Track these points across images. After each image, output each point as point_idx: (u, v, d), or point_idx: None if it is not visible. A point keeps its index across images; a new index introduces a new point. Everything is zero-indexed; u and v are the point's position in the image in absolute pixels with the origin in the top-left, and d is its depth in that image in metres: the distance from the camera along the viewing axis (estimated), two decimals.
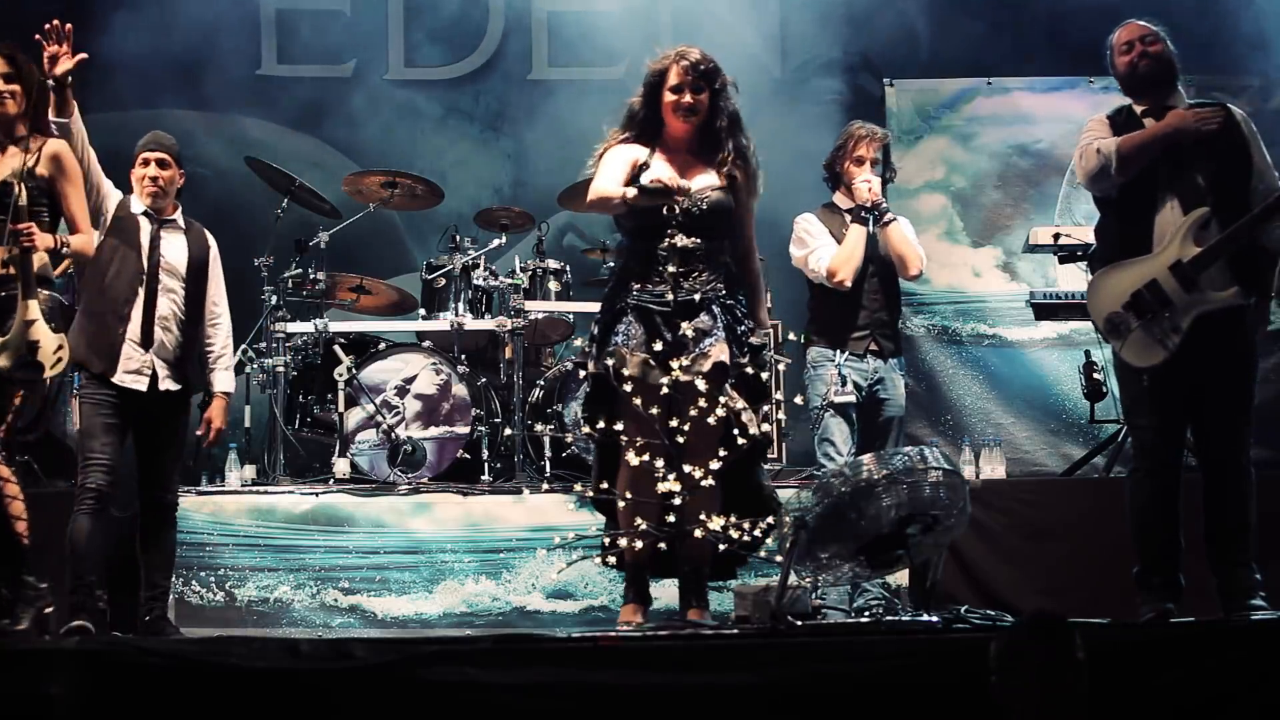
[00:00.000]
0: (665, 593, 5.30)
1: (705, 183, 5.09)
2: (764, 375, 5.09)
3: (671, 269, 4.97)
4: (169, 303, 5.63)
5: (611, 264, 5.43)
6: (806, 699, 4.03)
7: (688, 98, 5.08)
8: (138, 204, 5.69)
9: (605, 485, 4.96)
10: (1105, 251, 5.30)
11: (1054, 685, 3.40)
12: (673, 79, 5.09)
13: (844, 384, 5.92)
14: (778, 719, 4.02)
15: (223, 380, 5.76)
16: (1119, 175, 5.14)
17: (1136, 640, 4.24)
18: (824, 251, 6.01)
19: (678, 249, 4.97)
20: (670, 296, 4.95)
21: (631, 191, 4.95)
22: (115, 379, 5.51)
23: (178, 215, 5.79)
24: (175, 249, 5.69)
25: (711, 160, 5.14)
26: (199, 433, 5.75)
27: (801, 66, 8.99)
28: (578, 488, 5.04)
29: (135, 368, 5.54)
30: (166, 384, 5.56)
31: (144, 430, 5.60)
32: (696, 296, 4.96)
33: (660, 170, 5.07)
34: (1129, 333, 5.10)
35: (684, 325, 4.91)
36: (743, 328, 5.06)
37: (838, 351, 5.97)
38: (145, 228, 5.66)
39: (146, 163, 5.72)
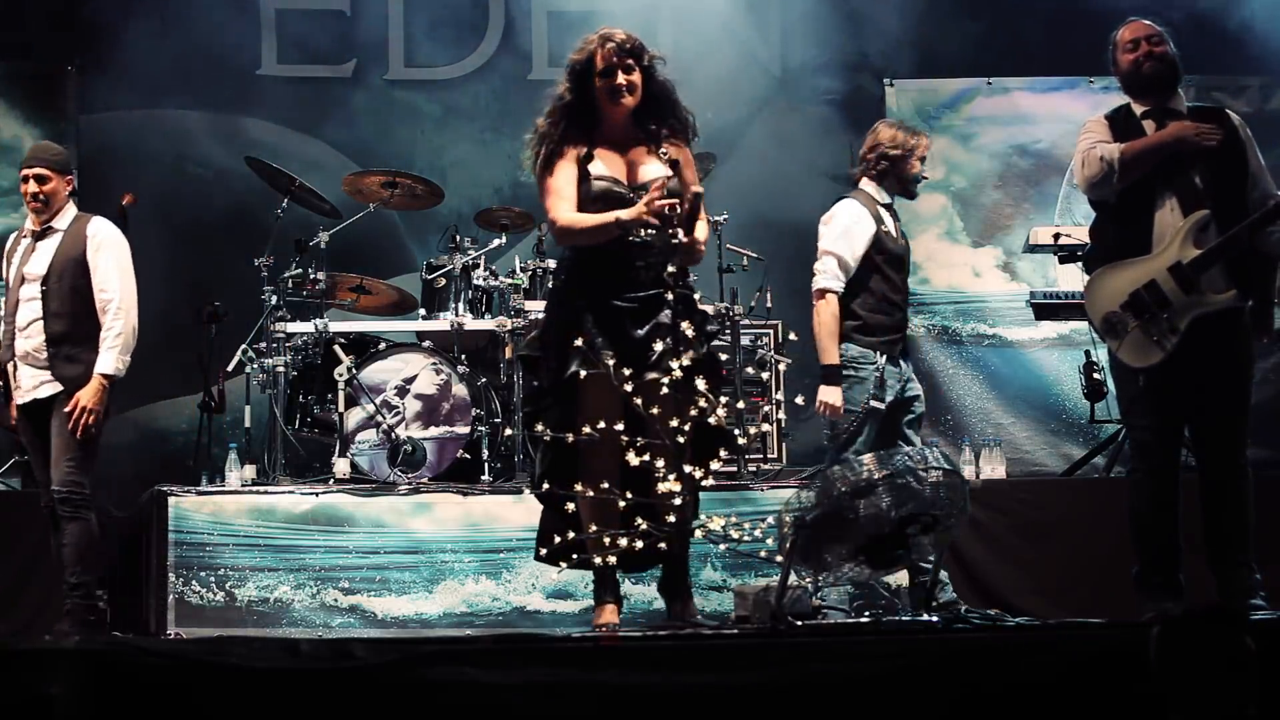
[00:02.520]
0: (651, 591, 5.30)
1: (653, 172, 4.96)
2: (764, 375, 5.07)
3: (626, 266, 4.85)
4: (31, 309, 5.74)
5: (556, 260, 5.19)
6: (806, 699, 4.03)
7: (620, 78, 4.94)
8: (29, 223, 5.89)
9: (549, 485, 4.81)
10: (1102, 252, 5.30)
11: (1220, 679, 3.32)
12: (600, 63, 4.96)
13: (882, 389, 5.83)
14: (778, 719, 4.02)
15: (101, 362, 5.78)
16: (1120, 182, 5.14)
17: (1135, 641, 4.23)
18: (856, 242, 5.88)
19: (633, 244, 4.85)
20: (635, 294, 4.84)
21: (627, 214, 4.78)
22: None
23: (59, 219, 5.87)
24: (39, 257, 5.86)
25: (652, 142, 5.01)
26: (66, 409, 5.74)
27: (801, 66, 8.99)
28: (584, 490, 4.98)
29: (10, 384, 5.82)
30: (38, 392, 5.73)
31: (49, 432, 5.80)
32: (652, 293, 4.84)
33: (600, 168, 4.95)
34: (1126, 333, 5.10)
35: (647, 325, 4.82)
36: (699, 315, 4.99)
37: (877, 354, 5.85)
38: (20, 248, 5.86)
39: (26, 179, 5.88)
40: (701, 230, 5.01)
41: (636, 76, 4.96)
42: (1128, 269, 5.13)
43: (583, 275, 4.95)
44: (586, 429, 4.66)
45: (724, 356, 5.04)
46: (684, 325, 4.82)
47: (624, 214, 4.80)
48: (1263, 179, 5.23)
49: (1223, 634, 3.36)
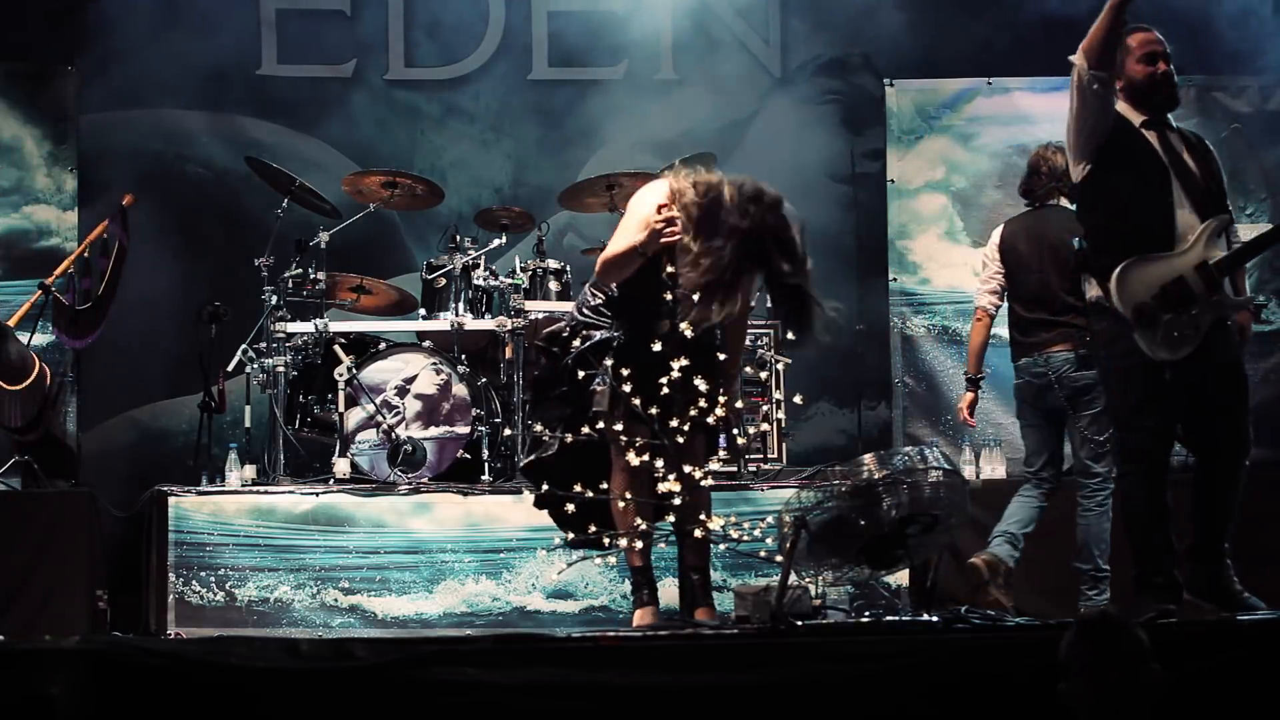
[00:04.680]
0: (666, 593, 5.31)
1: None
2: (763, 375, 5.10)
3: (668, 301, 4.90)
4: None
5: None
6: (806, 699, 4.03)
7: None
8: None
9: (604, 486, 4.93)
10: (1121, 243, 5.22)
11: (1117, 686, 3.34)
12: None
13: None
14: (777, 719, 4.02)
15: None
16: (1101, 68, 5.04)
17: None
18: None
19: (671, 286, 4.91)
20: (664, 335, 4.88)
21: (640, 239, 4.87)
22: None
23: None
24: None
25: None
26: None
27: (801, 66, 8.99)
28: (579, 489, 5.01)
29: None
30: None
31: None
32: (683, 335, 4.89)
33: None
34: (1159, 325, 5.09)
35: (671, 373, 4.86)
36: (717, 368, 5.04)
37: None
38: None
39: None
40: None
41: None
42: (1156, 263, 5.10)
43: (618, 306, 5.05)
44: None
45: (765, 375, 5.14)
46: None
47: (637, 240, 4.89)
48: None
49: (1124, 635, 3.37)
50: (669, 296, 4.87)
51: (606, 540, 5.06)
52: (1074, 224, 5.90)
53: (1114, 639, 3.36)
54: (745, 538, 4.88)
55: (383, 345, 7.26)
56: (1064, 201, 6.15)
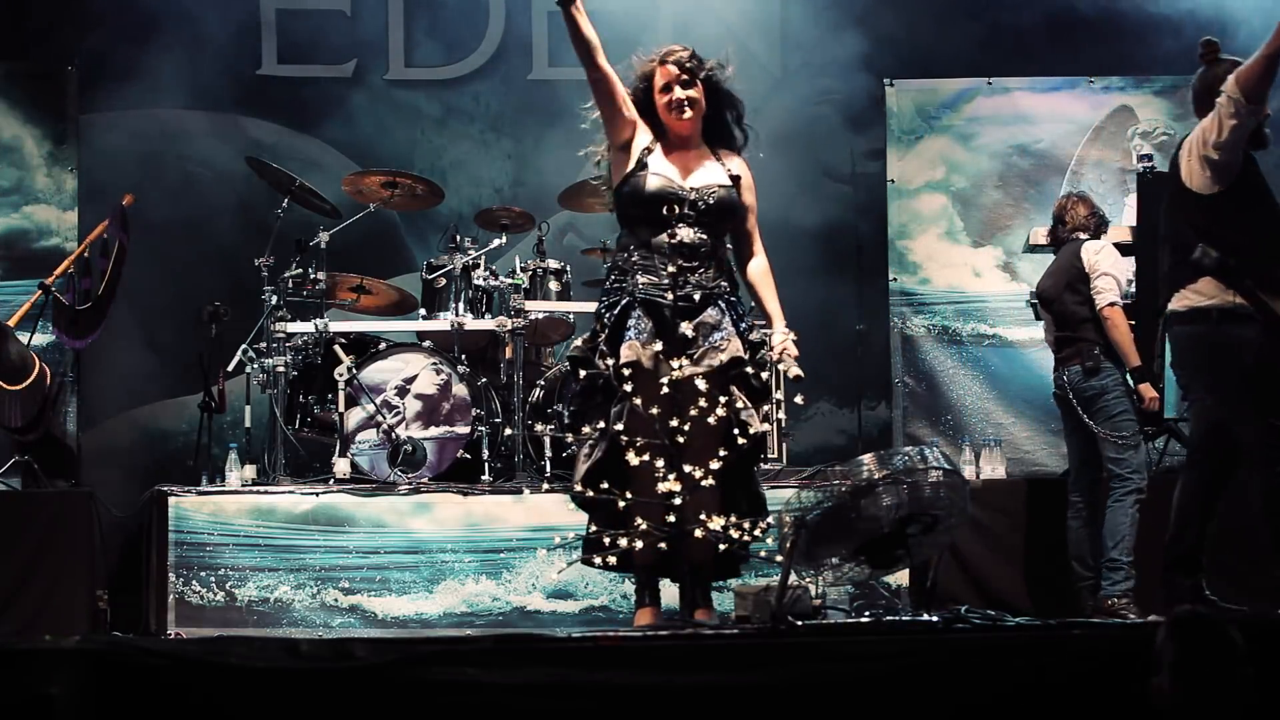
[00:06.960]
0: (665, 592, 5.30)
1: (712, 179, 5.09)
2: (764, 375, 5.09)
3: (675, 265, 4.96)
4: None
5: (609, 261, 5.41)
6: (807, 699, 4.03)
7: (679, 93, 5.08)
8: None
9: (605, 485, 4.92)
10: (1266, 254, 5.30)
11: (1213, 683, 3.33)
12: (660, 80, 5.11)
13: None
14: (777, 719, 4.02)
15: None
16: (1257, 101, 5.15)
17: (1135, 640, 4.24)
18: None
19: (684, 245, 4.97)
20: (674, 293, 4.95)
21: None
22: None
23: None
24: None
25: (717, 153, 5.17)
26: None
27: (801, 66, 8.99)
28: (577, 487, 5.01)
29: None
30: None
31: None
32: (699, 294, 4.97)
33: (660, 165, 5.06)
34: None
35: (686, 324, 4.91)
36: (744, 325, 5.07)
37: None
38: None
39: None
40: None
41: (697, 91, 5.11)
42: None
43: (631, 275, 5.05)
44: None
45: (766, 375, 5.17)
46: (728, 324, 4.96)
47: None
48: None
49: (1221, 629, 3.37)
50: (670, 268, 4.97)
51: (606, 541, 5.04)
52: (1077, 248, 6.37)
53: (1207, 638, 3.36)
54: (745, 538, 4.87)
55: (383, 345, 7.26)
56: (1081, 236, 6.50)
